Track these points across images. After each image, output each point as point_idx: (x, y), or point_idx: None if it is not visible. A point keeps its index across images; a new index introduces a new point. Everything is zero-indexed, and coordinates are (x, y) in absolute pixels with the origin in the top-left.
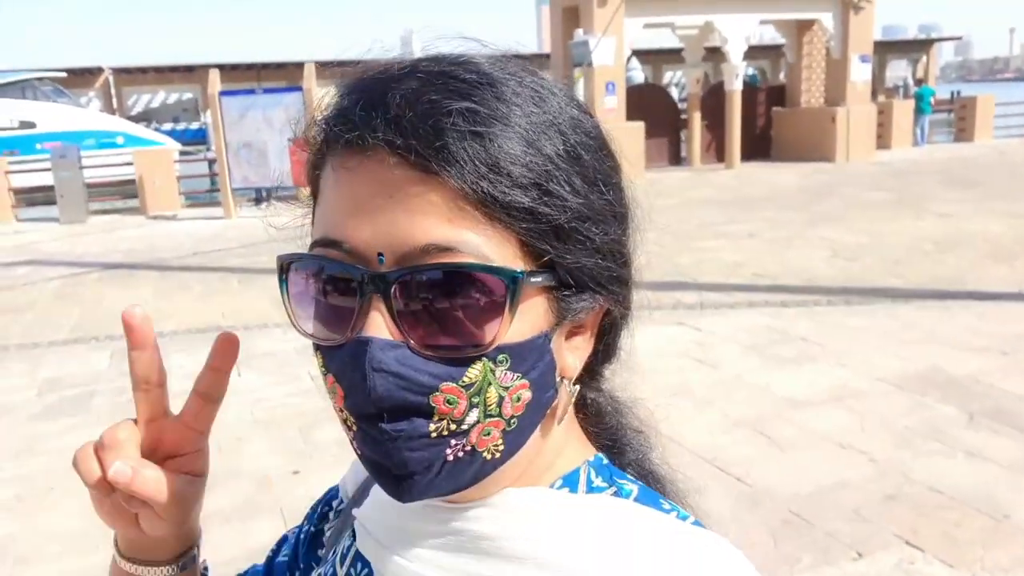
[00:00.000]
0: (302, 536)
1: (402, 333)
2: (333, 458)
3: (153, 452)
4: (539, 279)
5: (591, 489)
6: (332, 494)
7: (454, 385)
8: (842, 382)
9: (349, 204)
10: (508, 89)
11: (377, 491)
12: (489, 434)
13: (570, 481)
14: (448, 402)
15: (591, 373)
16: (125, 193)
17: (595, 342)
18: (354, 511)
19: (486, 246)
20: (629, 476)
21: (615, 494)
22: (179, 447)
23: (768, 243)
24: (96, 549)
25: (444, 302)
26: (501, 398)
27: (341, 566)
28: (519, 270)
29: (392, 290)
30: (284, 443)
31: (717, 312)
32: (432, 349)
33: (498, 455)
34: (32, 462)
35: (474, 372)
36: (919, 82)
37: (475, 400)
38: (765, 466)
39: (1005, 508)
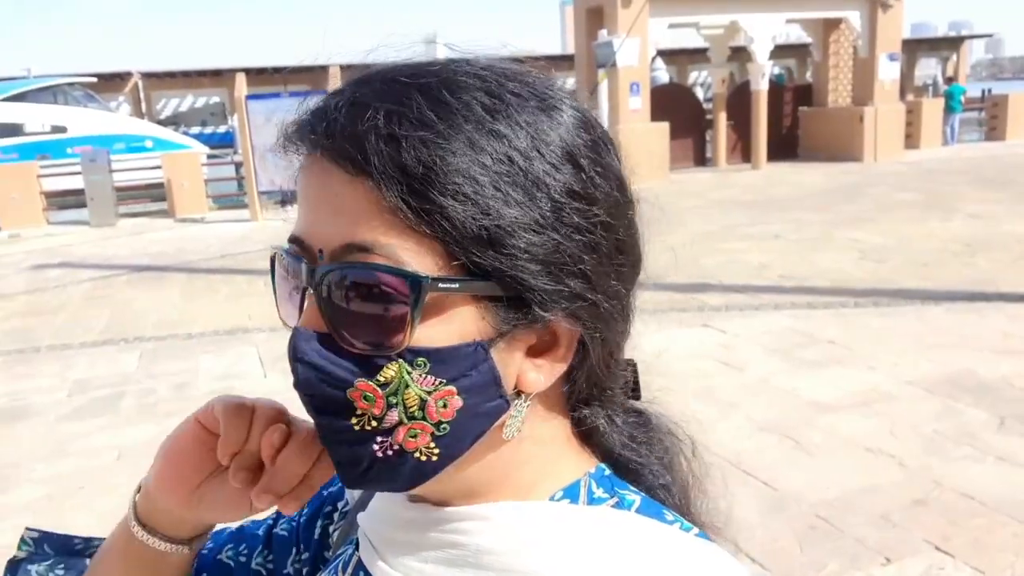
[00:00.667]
0: (301, 519)
1: (329, 327)
2: None
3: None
4: (453, 286)
5: (592, 500)
6: (339, 494)
7: (369, 383)
8: (870, 385)
9: (303, 203)
10: (456, 96)
11: (378, 499)
12: (416, 436)
13: (571, 493)
14: (365, 399)
15: (591, 397)
16: (154, 196)
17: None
18: (359, 516)
19: (402, 249)
20: (632, 487)
21: (616, 505)
22: None
23: (794, 244)
24: None
25: (357, 301)
26: (423, 401)
27: (343, 573)
28: (423, 275)
29: (320, 284)
30: None
31: (742, 314)
32: (350, 345)
33: (434, 458)
34: (62, 463)
35: (389, 372)
36: (949, 80)
37: (392, 400)
38: (792, 471)
39: None
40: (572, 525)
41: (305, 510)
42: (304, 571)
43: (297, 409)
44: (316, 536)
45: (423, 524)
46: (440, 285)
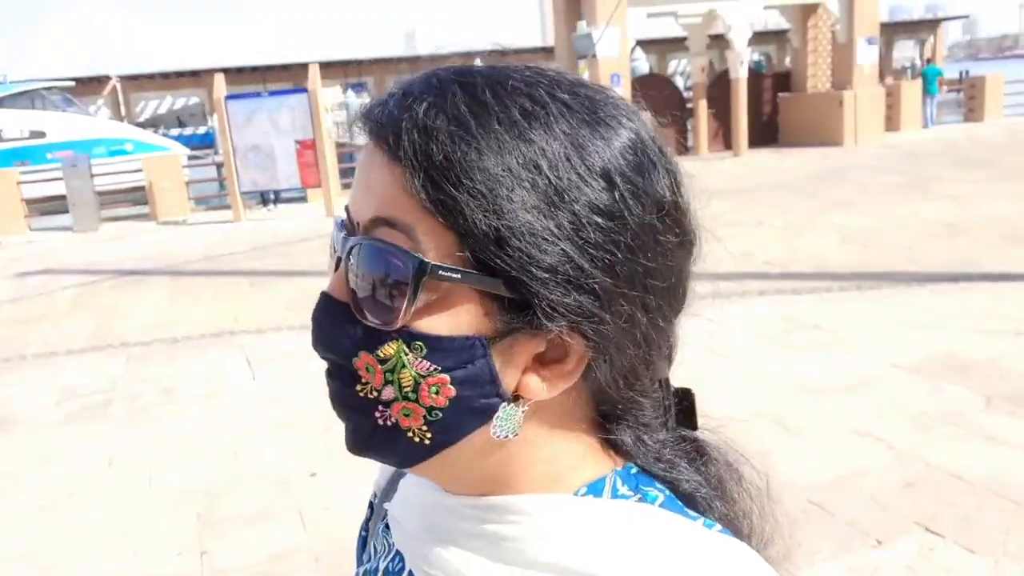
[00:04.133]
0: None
1: (348, 297)
2: (351, 459)
3: None
4: (455, 276)
5: (616, 496)
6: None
7: (370, 356)
8: (856, 369)
9: (355, 180)
10: (497, 98)
11: (405, 486)
12: (409, 415)
13: (595, 489)
14: (367, 370)
15: (610, 414)
16: (135, 200)
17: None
18: (385, 504)
19: (419, 231)
20: (657, 484)
21: (640, 500)
22: None
23: (777, 231)
24: (117, 556)
25: (370, 274)
26: (417, 383)
27: (384, 560)
28: (428, 261)
29: (349, 255)
30: (301, 445)
31: (729, 302)
32: (362, 316)
33: (428, 441)
34: (54, 471)
35: (389, 349)
36: (928, 62)
37: (389, 376)
38: (782, 456)
39: None
40: (594, 519)
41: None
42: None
43: (285, 405)
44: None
45: (456, 511)
46: (441, 272)
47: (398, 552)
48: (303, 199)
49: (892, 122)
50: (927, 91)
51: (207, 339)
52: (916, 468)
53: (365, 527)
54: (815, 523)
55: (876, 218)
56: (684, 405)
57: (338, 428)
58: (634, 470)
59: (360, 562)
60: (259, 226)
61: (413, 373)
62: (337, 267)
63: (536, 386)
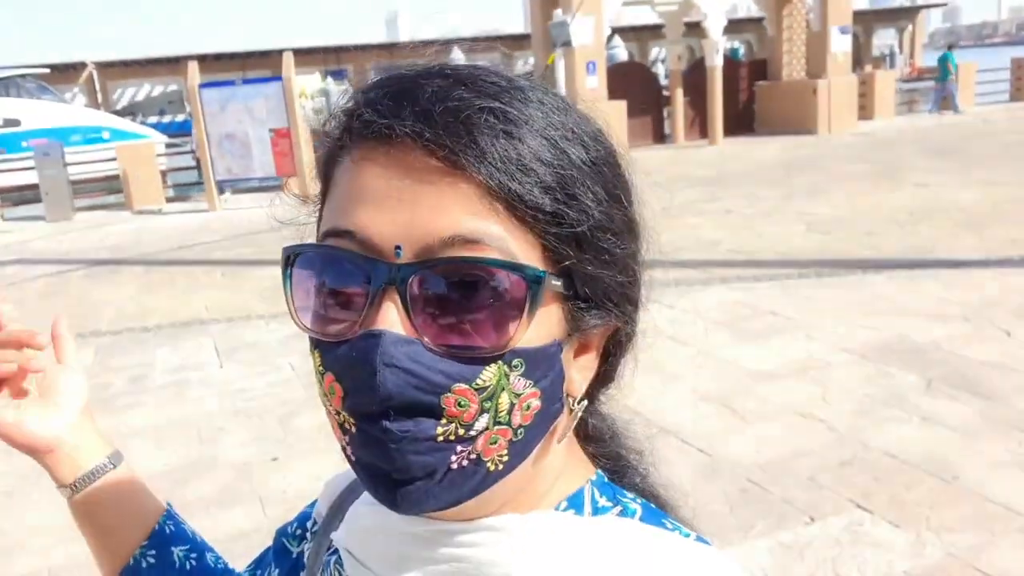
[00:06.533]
0: (272, 550)
1: (416, 329)
2: (312, 444)
3: None
4: (558, 284)
5: (596, 509)
6: (305, 515)
7: (467, 387)
8: (807, 354)
9: (367, 195)
10: (534, 95)
11: (359, 516)
12: (496, 443)
13: (575, 503)
14: (459, 404)
15: (590, 397)
16: (110, 189)
17: (599, 364)
18: (332, 535)
19: (511, 243)
20: (629, 495)
21: (620, 513)
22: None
23: (746, 219)
24: (81, 538)
25: (463, 298)
26: (512, 405)
27: None
28: (542, 271)
29: (409, 282)
30: (264, 432)
31: (691, 289)
32: (447, 347)
33: (501, 466)
34: (20, 457)
35: (488, 374)
36: (949, 48)
37: (487, 405)
38: (727, 438)
39: (955, 470)
40: (579, 537)
41: (278, 542)
42: None
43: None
44: (292, 561)
45: (428, 538)
46: (552, 283)
47: None
48: (278, 187)
49: (866, 111)
50: (942, 76)
51: (177, 328)
52: (854, 448)
53: (290, 534)
54: (753, 501)
55: (842, 207)
56: None
57: (301, 414)
58: (606, 478)
59: (278, 566)
60: (234, 215)
61: (509, 394)
62: (372, 301)
63: (579, 381)
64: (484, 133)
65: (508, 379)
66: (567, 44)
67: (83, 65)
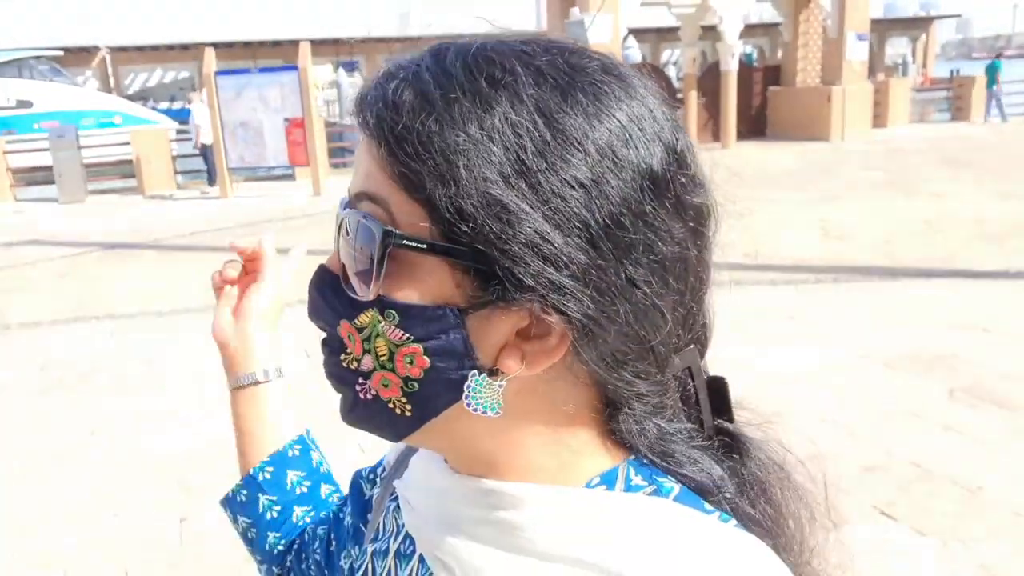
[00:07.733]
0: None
1: (338, 268)
2: (332, 428)
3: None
4: (420, 245)
5: (629, 487)
6: (380, 462)
7: (350, 324)
8: (826, 360)
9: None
10: (465, 69)
11: (414, 466)
12: (388, 386)
13: (608, 479)
14: (349, 338)
15: (612, 399)
16: (123, 173)
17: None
18: (395, 482)
19: (394, 204)
20: (671, 477)
21: (654, 492)
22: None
23: (760, 223)
24: (98, 519)
25: (349, 246)
26: (392, 353)
27: (394, 541)
28: (392, 229)
29: (340, 227)
30: None
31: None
32: (348, 287)
33: (408, 412)
34: (37, 437)
35: (365, 318)
36: (997, 56)
37: (367, 346)
38: None
39: (979, 480)
40: (606, 511)
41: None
42: (353, 522)
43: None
44: (361, 495)
45: (462, 495)
46: (406, 242)
47: (408, 535)
48: (291, 177)
49: (880, 118)
50: (990, 84)
51: (192, 313)
52: (877, 455)
53: (365, 477)
54: None
55: (857, 214)
56: (716, 395)
57: (322, 399)
58: (647, 460)
59: (356, 514)
60: (246, 203)
61: (386, 341)
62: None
63: (514, 361)
64: (378, 107)
65: (381, 326)
66: (584, 43)
67: (96, 49)
